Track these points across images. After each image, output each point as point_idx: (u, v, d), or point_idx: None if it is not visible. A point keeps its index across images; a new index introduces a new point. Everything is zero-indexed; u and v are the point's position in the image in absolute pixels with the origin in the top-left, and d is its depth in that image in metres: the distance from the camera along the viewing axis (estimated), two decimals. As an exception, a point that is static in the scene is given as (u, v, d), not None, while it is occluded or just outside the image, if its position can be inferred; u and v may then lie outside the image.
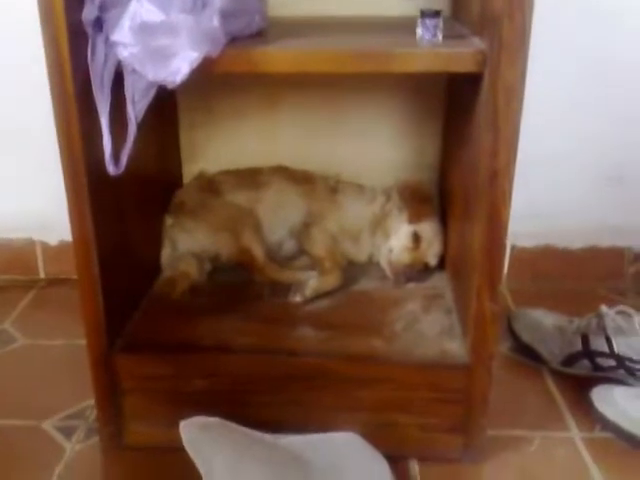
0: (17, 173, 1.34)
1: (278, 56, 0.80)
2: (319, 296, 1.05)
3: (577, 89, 1.24)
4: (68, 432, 0.97)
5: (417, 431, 0.91)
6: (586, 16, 1.19)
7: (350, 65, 0.80)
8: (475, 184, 0.84)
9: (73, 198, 0.81)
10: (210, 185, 1.19)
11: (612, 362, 1.02)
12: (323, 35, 0.95)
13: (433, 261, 1.14)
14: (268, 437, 0.85)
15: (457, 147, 1.04)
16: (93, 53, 0.74)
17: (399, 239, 1.13)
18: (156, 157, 1.12)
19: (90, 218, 0.82)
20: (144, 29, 0.71)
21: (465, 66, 0.77)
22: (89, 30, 0.74)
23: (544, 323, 1.12)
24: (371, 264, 1.17)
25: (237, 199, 1.17)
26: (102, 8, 0.74)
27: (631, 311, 1.03)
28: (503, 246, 0.82)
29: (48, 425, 0.99)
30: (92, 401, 0.94)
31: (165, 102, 1.17)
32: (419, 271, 1.12)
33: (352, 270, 1.14)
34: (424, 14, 0.81)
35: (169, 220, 1.15)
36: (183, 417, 0.82)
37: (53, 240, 1.37)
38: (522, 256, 1.34)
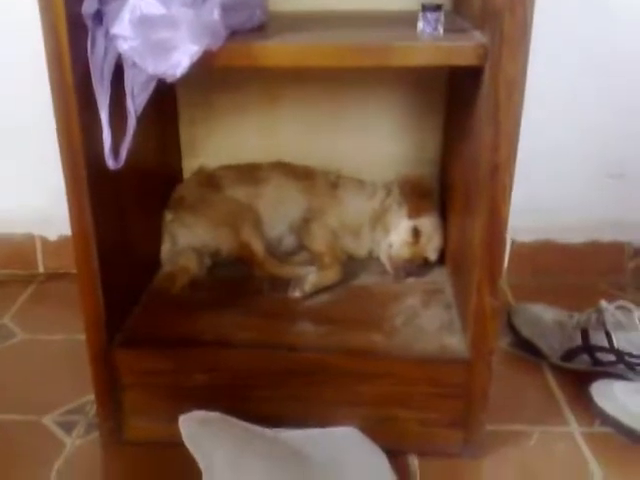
0: (16, 168, 1.34)
1: (278, 50, 0.79)
2: (319, 291, 1.05)
3: (578, 82, 1.23)
4: (68, 427, 0.97)
5: (417, 426, 0.91)
6: (588, 7, 1.18)
7: (350, 59, 0.80)
8: (476, 178, 0.84)
9: (73, 192, 0.81)
10: (210, 180, 1.18)
11: (612, 357, 1.02)
12: (324, 29, 0.95)
13: (433, 256, 1.13)
14: (268, 432, 0.85)
15: (458, 141, 1.04)
16: (93, 46, 0.74)
17: (399, 234, 1.13)
18: (156, 152, 1.12)
19: (90, 212, 0.82)
20: (144, 22, 0.70)
21: (466, 59, 0.77)
22: (89, 23, 0.74)
23: (544, 318, 1.12)
24: (371, 259, 1.17)
25: (237, 194, 1.16)
26: (102, 1, 0.74)
27: (631, 306, 1.03)
28: (503, 241, 0.82)
29: (48, 420, 0.99)
30: (92, 396, 0.94)
31: (165, 96, 1.17)
32: (419, 266, 1.12)
33: (352, 265, 1.14)
34: (425, 8, 0.81)
35: (169, 215, 1.14)
36: (183, 412, 0.83)
37: (52, 235, 1.37)
38: (522, 251, 1.34)
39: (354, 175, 1.21)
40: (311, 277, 1.06)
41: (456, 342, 0.92)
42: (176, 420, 0.82)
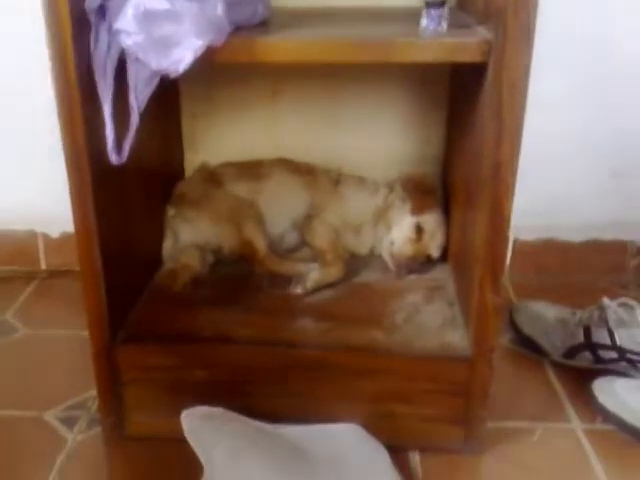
0: (19, 165, 1.34)
1: (280, 46, 0.79)
2: (320, 288, 1.05)
3: (580, 81, 1.23)
4: (70, 423, 0.97)
5: (417, 422, 0.91)
6: (589, 6, 1.18)
7: (353, 55, 0.79)
8: (478, 175, 0.84)
9: (76, 188, 0.81)
10: (212, 177, 1.18)
11: (614, 354, 1.02)
12: (326, 25, 0.95)
13: (435, 253, 1.13)
14: (269, 427, 0.85)
15: (461, 138, 1.04)
16: (96, 41, 0.74)
17: (401, 231, 1.13)
18: (158, 147, 1.12)
19: (93, 209, 0.82)
20: (148, 17, 0.70)
21: (470, 56, 0.77)
22: (92, 18, 0.74)
23: (546, 315, 1.12)
24: (373, 256, 1.17)
25: (239, 191, 1.16)
26: (105, -4, 0.74)
27: (633, 303, 1.02)
28: (505, 238, 0.81)
29: (50, 416, 0.99)
30: (94, 392, 0.95)
31: (167, 92, 1.17)
32: (421, 263, 1.12)
33: (354, 262, 1.14)
34: (429, 4, 0.80)
35: (171, 211, 1.14)
36: (184, 407, 0.83)
37: (55, 232, 1.37)
38: (525, 249, 1.33)
39: (356, 172, 1.21)
40: (313, 274, 1.05)
41: (458, 339, 0.92)
42: (177, 415, 0.81)
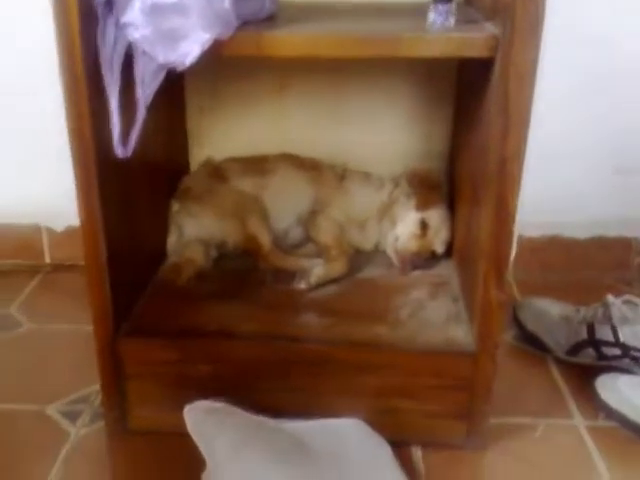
0: (24, 159, 1.34)
1: (287, 40, 0.79)
2: (325, 283, 1.05)
3: (585, 78, 1.23)
4: (73, 416, 0.98)
5: (421, 417, 0.91)
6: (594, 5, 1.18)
7: (359, 50, 0.79)
8: (484, 170, 0.84)
9: (82, 182, 0.81)
10: (217, 172, 1.18)
11: (617, 351, 1.02)
12: (333, 20, 0.94)
13: (440, 249, 1.13)
14: (272, 422, 0.85)
15: (467, 133, 1.04)
16: (103, 35, 0.74)
17: (406, 226, 1.13)
18: (163, 142, 1.12)
19: (98, 203, 0.82)
20: (155, 10, 0.70)
21: (478, 51, 0.77)
22: (99, 11, 0.74)
23: (550, 312, 1.12)
24: (377, 252, 1.17)
25: (243, 185, 1.16)
26: (112, -11, 0.74)
27: (637, 300, 1.03)
28: (510, 233, 0.81)
29: (53, 410, 0.99)
30: (97, 386, 0.95)
31: (173, 86, 1.17)
32: (426, 259, 1.12)
33: (358, 258, 1.14)
34: (436, -1, 0.80)
35: (175, 205, 1.14)
36: (187, 402, 0.83)
37: (59, 226, 1.37)
38: (529, 246, 1.33)
39: (361, 167, 1.21)
40: (317, 269, 1.05)
41: (462, 335, 0.92)
42: (180, 410, 0.82)
